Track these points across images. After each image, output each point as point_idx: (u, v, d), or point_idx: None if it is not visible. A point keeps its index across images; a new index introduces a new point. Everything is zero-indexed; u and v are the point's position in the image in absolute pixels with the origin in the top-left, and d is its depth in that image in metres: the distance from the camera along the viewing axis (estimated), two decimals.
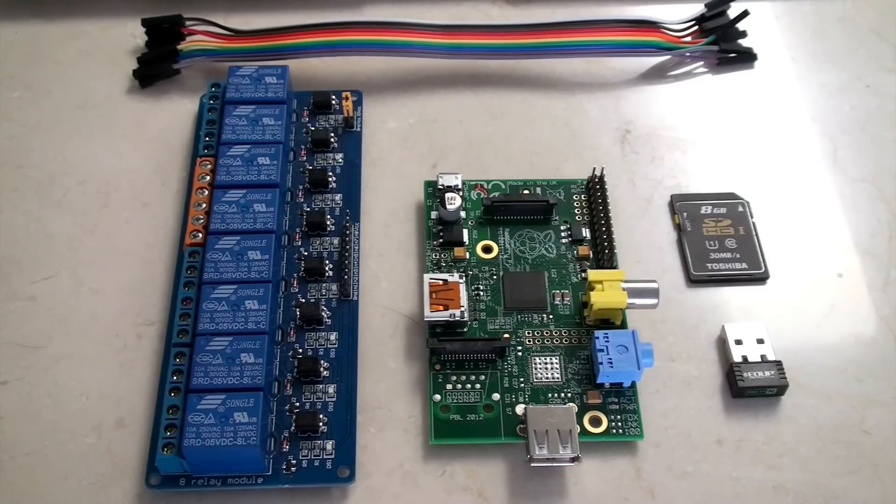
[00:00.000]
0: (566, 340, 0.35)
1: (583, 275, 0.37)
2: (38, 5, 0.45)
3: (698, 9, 0.44)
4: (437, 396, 0.34)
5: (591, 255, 0.37)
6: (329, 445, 0.33)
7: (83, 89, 0.43)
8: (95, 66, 0.43)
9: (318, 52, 0.42)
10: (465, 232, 0.38)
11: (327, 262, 0.37)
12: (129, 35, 0.44)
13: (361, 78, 0.43)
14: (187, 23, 0.43)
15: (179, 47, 0.43)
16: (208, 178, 0.37)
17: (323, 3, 0.45)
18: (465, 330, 0.35)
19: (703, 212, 0.39)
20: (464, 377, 0.34)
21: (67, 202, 0.39)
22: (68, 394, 0.34)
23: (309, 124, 0.41)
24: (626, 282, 0.35)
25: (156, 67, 0.43)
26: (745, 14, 0.44)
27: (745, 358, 0.35)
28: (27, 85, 0.43)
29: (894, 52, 0.45)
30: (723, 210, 0.39)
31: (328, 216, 0.38)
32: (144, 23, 0.43)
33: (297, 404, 0.34)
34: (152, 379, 0.35)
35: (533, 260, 0.37)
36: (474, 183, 0.39)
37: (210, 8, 0.44)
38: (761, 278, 0.37)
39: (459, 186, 0.38)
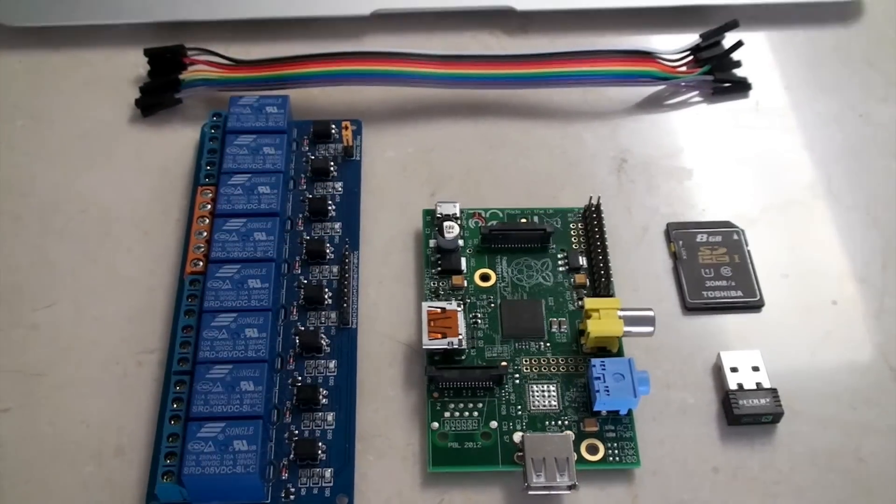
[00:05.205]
0: (563, 368, 0.36)
1: (580, 303, 0.37)
2: (43, 35, 0.46)
3: (693, 39, 0.44)
4: (436, 424, 0.34)
5: (588, 284, 0.38)
6: (328, 473, 0.33)
7: (86, 118, 0.43)
8: (98, 95, 0.44)
9: (319, 81, 0.42)
10: (463, 260, 0.38)
11: (326, 290, 0.37)
12: (132, 65, 0.45)
13: (361, 107, 0.44)
14: (189, 53, 0.44)
15: (181, 77, 0.43)
16: (209, 206, 0.38)
17: (323, 34, 0.46)
18: (463, 358, 0.36)
19: (698, 240, 0.39)
20: (462, 405, 0.35)
21: (69, 230, 0.39)
22: (69, 421, 0.35)
23: (309, 153, 0.41)
24: (622, 310, 0.35)
25: (158, 96, 0.43)
26: (739, 44, 0.44)
27: (740, 385, 0.35)
28: (30, 114, 0.43)
29: (886, 82, 0.45)
30: (718, 238, 0.39)
31: (327, 244, 0.38)
32: (147, 53, 0.44)
33: (297, 432, 0.34)
34: (152, 407, 0.35)
35: (530, 288, 0.38)
36: (472, 211, 0.40)
37: (212, 38, 0.45)
38: (756, 306, 0.38)
39: (458, 215, 0.39)
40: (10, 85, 0.44)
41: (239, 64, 0.43)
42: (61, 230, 0.39)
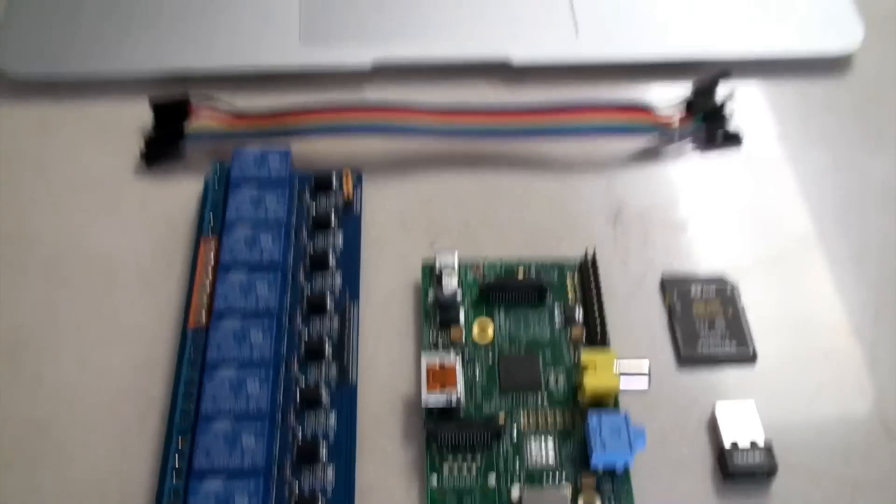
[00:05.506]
0: (560, 422, 0.36)
1: (576, 356, 0.38)
2: (47, 87, 0.46)
3: (687, 89, 0.45)
4: (434, 478, 0.35)
5: (584, 337, 0.38)
6: None
7: (91, 169, 0.44)
8: (103, 145, 0.45)
9: (321, 133, 0.43)
10: (462, 313, 0.39)
11: (327, 342, 0.38)
12: (136, 116, 0.45)
13: (362, 158, 0.44)
14: (194, 104, 0.44)
15: (185, 128, 0.44)
16: (212, 257, 0.38)
17: (326, 85, 0.47)
18: (462, 412, 0.36)
19: (692, 293, 0.40)
20: (460, 457, 0.35)
21: (74, 281, 0.40)
22: (72, 476, 0.35)
23: (310, 205, 0.42)
24: (618, 362, 0.36)
25: (162, 147, 0.44)
26: (731, 97, 0.45)
27: (735, 439, 0.35)
28: (35, 165, 0.44)
29: (877, 135, 0.46)
30: (712, 292, 0.40)
31: (328, 295, 0.39)
32: (152, 103, 0.45)
33: (297, 486, 0.34)
34: (154, 460, 0.35)
35: (528, 341, 0.38)
36: (471, 264, 0.40)
37: (215, 89, 0.46)
38: (750, 359, 0.38)
39: (456, 265, 0.39)
40: (14, 136, 0.45)
41: (242, 115, 0.44)
42: (66, 281, 0.40)
